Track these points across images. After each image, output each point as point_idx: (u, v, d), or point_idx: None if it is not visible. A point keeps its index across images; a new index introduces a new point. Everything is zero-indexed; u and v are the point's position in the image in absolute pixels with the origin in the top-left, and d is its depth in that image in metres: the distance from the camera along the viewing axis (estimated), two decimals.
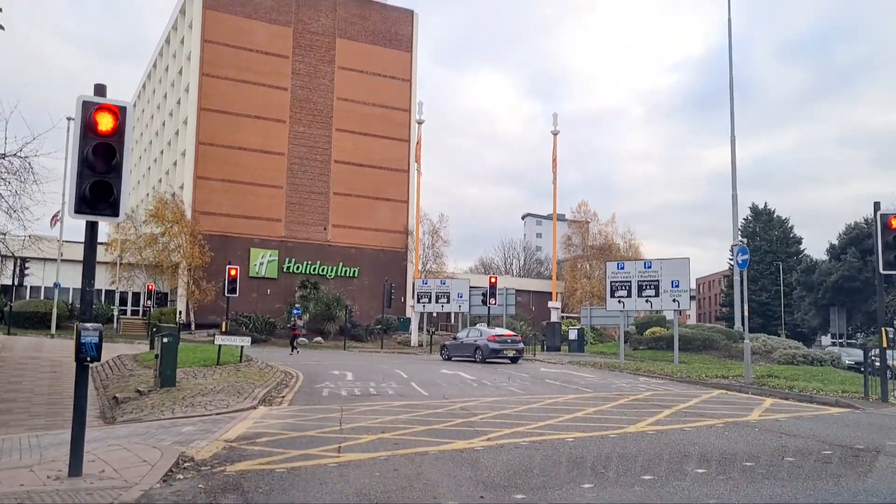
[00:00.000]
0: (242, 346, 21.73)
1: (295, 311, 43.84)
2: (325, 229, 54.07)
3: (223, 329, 29.39)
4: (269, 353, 32.10)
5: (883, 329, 16.16)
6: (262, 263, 51.70)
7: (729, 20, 41.39)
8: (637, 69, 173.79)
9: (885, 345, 16.01)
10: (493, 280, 37.87)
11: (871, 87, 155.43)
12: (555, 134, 47.99)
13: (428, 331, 46.03)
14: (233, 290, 27.77)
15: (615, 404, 14.32)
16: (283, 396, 15.06)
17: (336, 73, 55.62)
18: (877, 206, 16.20)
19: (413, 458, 8.22)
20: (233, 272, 27.95)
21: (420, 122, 49.76)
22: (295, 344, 35.32)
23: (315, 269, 52.99)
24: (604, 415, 12.52)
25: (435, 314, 49.67)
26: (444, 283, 44.18)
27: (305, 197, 53.64)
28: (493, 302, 37.16)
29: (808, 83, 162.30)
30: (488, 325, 35.88)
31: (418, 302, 44.17)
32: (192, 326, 46.31)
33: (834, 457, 8.80)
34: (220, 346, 21.10)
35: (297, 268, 52.56)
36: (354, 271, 54.54)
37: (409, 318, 49.77)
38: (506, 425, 10.89)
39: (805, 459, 8.58)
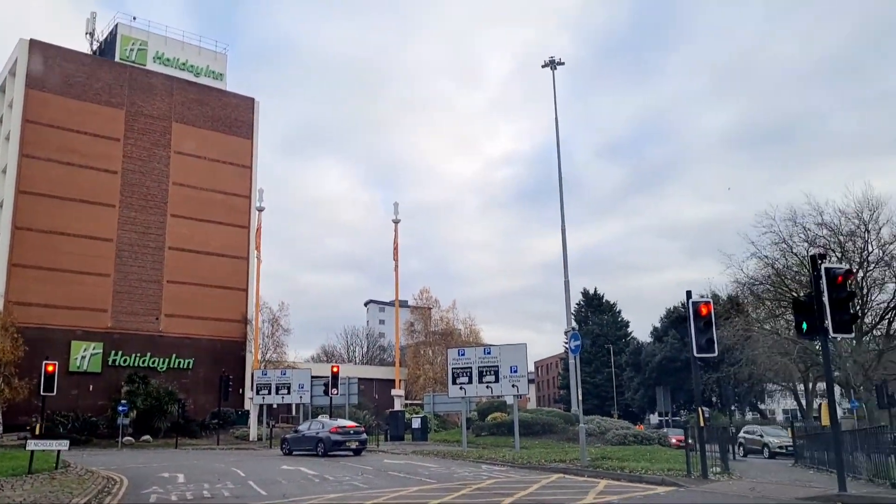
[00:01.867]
0: (59, 451, 19.85)
1: (121, 409, 40.90)
2: (156, 319, 51.27)
3: (37, 432, 26.86)
4: (90, 455, 29.50)
5: (699, 409, 17.42)
6: (84, 357, 47.95)
7: (556, 121, 44.48)
8: (471, 164, 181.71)
9: (702, 424, 17.24)
10: (335, 370, 37.33)
11: (678, 185, 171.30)
12: (396, 223, 48.74)
13: (268, 424, 44.21)
14: (49, 388, 25.61)
15: (458, 495, 14.35)
16: None
17: (172, 157, 54.05)
18: (689, 294, 17.68)
19: None
20: (50, 368, 25.85)
21: (260, 209, 48.92)
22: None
23: (145, 361, 49.82)
24: None
25: (275, 406, 47.88)
26: (284, 374, 42.91)
27: (135, 285, 50.84)
28: (336, 392, 36.51)
29: (625, 180, 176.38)
30: (331, 416, 35.18)
31: (258, 394, 42.53)
32: (1, 429, 41.79)
33: None
34: (32, 451, 19.15)
35: (125, 361, 49.15)
36: (189, 363, 51.79)
37: (248, 411, 47.64)
38: None
39: None
